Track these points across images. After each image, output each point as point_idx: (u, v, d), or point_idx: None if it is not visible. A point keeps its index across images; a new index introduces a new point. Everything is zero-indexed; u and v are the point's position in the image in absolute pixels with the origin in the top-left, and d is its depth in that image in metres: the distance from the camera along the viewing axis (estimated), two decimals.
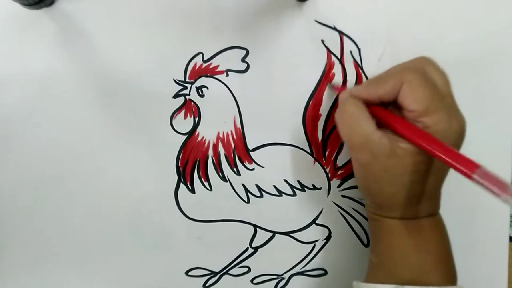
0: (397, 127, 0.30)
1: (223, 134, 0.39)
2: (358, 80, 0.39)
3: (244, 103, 0.39)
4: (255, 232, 0.41)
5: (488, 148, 0.39)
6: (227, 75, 0.38)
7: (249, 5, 0.37)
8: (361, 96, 0.32)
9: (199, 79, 0.38)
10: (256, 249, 0.41)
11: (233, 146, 0.39)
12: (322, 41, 0.38)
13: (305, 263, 0.41)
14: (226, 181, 0.40)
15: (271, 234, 0.41)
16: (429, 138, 0.28)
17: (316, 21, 0.38)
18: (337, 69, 0.38)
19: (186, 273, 0.41)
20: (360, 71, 0.38)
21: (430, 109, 0.29)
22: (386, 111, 0.32)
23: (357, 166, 0.33)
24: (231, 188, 0.40)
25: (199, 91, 0.39)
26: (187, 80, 0.38)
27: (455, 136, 0.30)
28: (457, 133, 0.30)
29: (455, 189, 0.40)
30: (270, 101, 0.39)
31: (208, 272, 0.41)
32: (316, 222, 0.41)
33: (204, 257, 0.41)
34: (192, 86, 0.38)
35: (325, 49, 0.38)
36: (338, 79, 0.38)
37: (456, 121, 0.30)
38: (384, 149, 0.30)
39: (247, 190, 0.40)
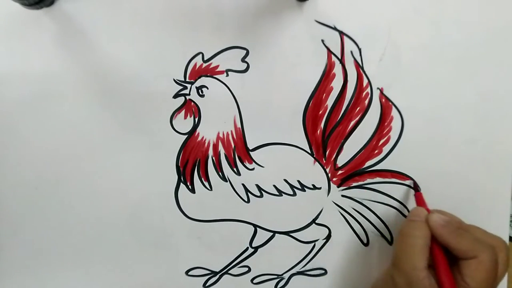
0: (443, 284, 0.32)
1: (223, 134, 0.39)
2: (359, 80, 0.39)
3: (244, 103, 0.39)
4: (255, 231, 0.41)
5: (489, 147, 0.39)
6: (227, 75, 0.38)
7: (249, 5, 0.37)
8: (435, 232, 0.34)
9: (199, 79, 0.38)
10: (256, 248, 0.41)
11: (233, 146, 0.39)
12: (322, 41, 0.38)
13: (305, 263, 0.41)
14: (226, 181, 0.40)
15: (271, 233, 0.41)
16: None
17: (316, 21, 0.38)
18: (337, 69, 0.38)
19: (186, 273, 0.41)
20: (361, 71, 0.38)
21: None
22: (443, 260, 0.33)
23: (390, 283, 0.34)
24: (231, 188, 0.40)
25: (199, 91, 0.39)
26: (187, 80, 0.38)
27: None
28: None
29: (455, 189, 0.40)
30: (270, 101, 0.39)
31: (208, 272, 0.41)
32: (316, 222, 0.41)
33: (204, 257, 0.41)
34: (192, 86, 0.38)
35: (325, 49, 0.38)
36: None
37: None
38: None
39: (247, 190, 0.40)
